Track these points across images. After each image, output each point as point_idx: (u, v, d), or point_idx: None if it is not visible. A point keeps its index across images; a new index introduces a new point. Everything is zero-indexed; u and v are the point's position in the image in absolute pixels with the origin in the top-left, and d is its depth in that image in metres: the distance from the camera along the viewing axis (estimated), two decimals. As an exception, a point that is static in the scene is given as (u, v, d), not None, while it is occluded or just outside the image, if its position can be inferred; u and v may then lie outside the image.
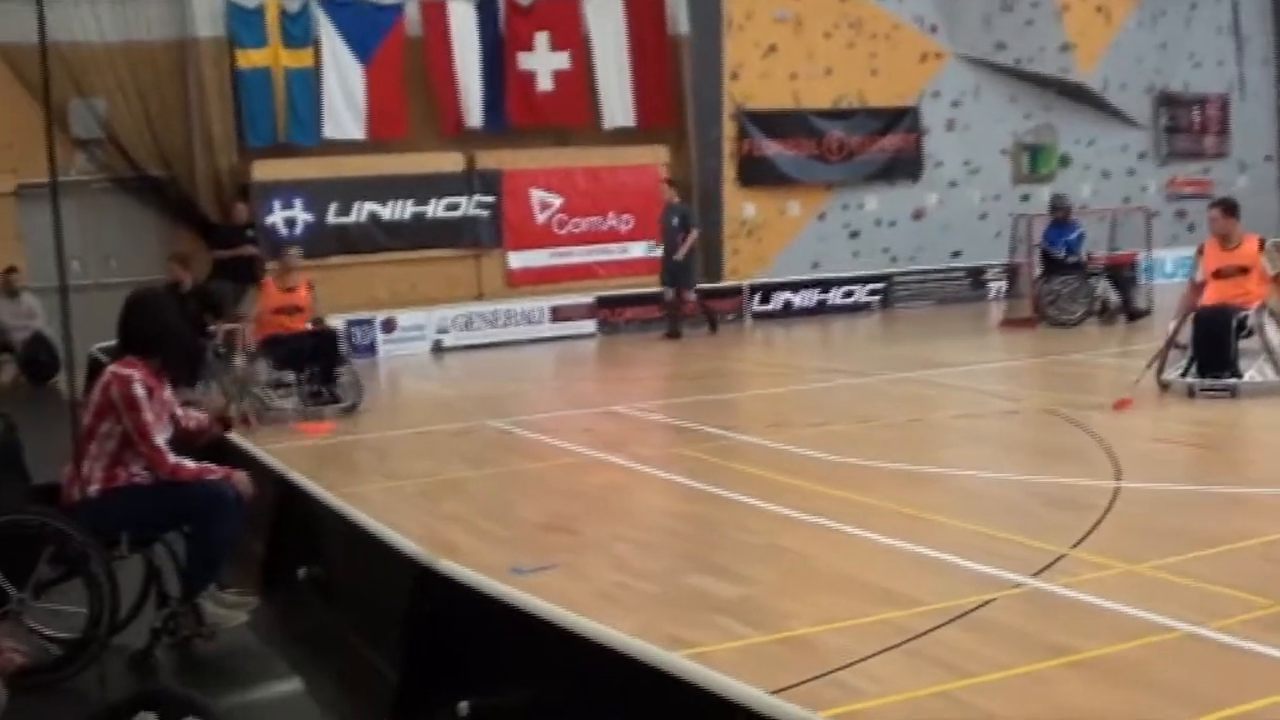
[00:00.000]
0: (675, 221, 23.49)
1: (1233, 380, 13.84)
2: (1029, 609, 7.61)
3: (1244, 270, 14.46)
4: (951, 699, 6.22)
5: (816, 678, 6.56)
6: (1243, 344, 14.11)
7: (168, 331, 7.51)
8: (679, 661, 4.80)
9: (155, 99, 22.43)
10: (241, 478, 7.45)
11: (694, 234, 23.60)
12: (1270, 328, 14.15)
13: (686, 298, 23.85)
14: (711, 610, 7.85)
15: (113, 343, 16.54)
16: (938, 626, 7.25)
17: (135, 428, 7.07)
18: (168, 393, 7.46)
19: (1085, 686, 6.33)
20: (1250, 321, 14.14)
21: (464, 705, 5.95)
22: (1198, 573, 7.98)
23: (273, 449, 11.09)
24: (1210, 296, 14.46)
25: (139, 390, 7.12)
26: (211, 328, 17.31)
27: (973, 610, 7.51)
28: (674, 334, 23.48)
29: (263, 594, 7.99)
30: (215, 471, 7.32)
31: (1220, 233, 14.84)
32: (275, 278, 17.33)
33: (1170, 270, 28.68)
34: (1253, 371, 13.96)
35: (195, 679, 6.61)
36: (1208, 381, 13.93)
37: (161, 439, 7.15)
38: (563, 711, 5.49)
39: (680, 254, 23.31)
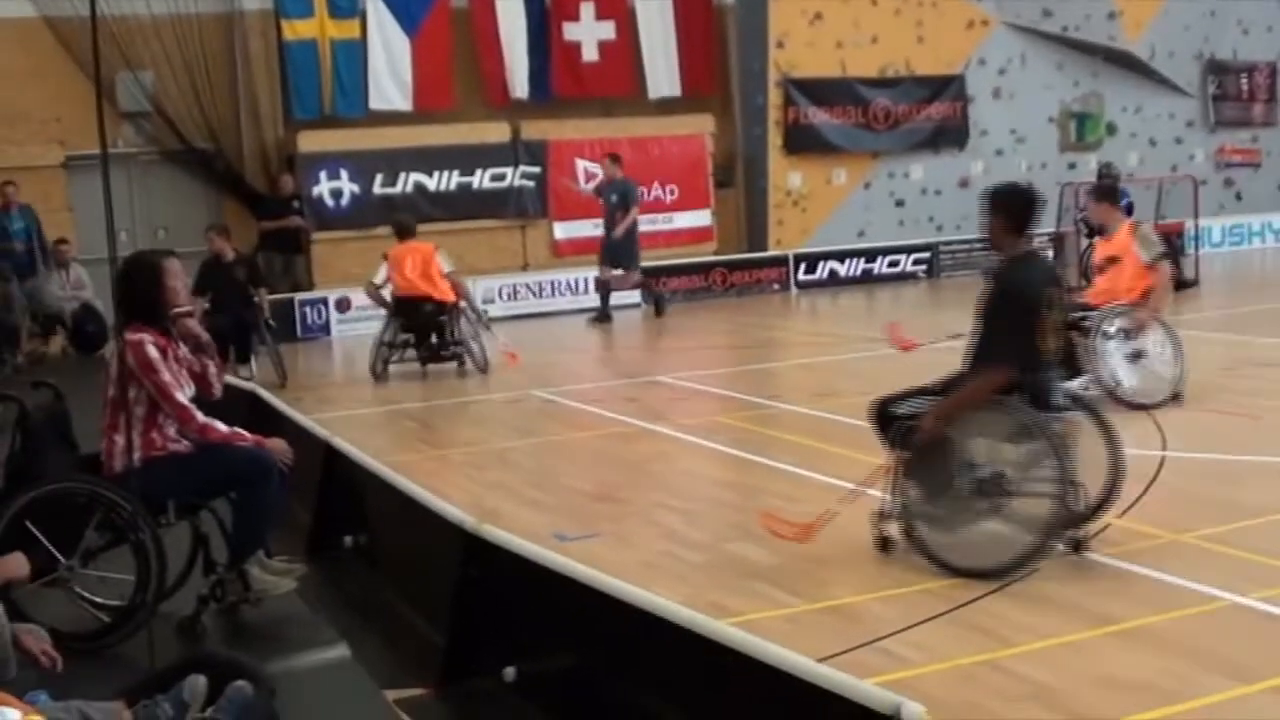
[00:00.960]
0: (614, 198, 22.12)
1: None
2: (1074, 577, 7.60)
3: (1116, 261, 12.68)
4: (996, 667, 6.24)
5: (862, 646, 6.59)
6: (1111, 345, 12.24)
7: (158, 291, 7.44)
8: (726, 629, 4.83)
9: (202, 72, 22.51)
10: (278, 444, 7.49)
11: (634, 213, 22.20)
12: (1110, 338, 12.04)
13: (631, 279, 22.67)
14: (756, 578, 7.88)
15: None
16: (982, 595, 7.27)
17: (156, 389, 7.10)
18: (183, 351, 7.47)
19: (1129, 655, 6.33)
20: (1090, 322, 12.14)
21: (510, 670, 6.00)
22: (1243, 543, 7.97)
23: (321, 418, 11.17)
24: (1090, 294, 12.88)
25: (152, 351, 7.13)
26: (257, 299, 17.37)
27: (1017, 579, 7.50)
28: (603, 317, 22.37)
29: (310, 561, 8.06)
30: (246, 437, 7.35)
31: (1097, 222, 13.43)
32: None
33: (1218, 239, 28.59)
34: (1079, 382, 11.16)
35: (242, 645, 6.67)
36: None
37: (183, 396, 7.17)
38: (608, 678, 5.53)
39: (618, 232, 22.04)
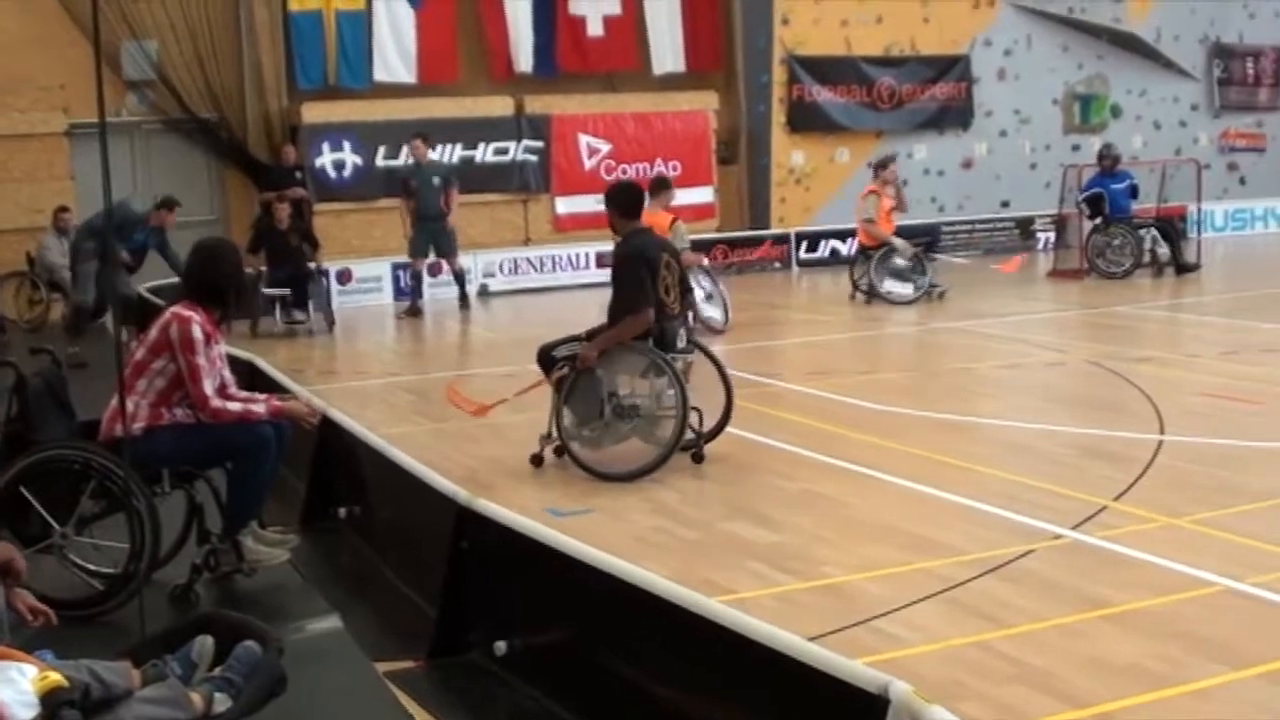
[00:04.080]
0: (436, 180, 20.77)
1: None
2: (1068, 561, 7.60)
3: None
4: (988, 649, 6.23)
5: (854, 625, 6.58)
6: None
7: (233, 283, 7.56)
8: (716, 606, 4.83)
9: (207, 41, 22.49)
10: (296, 407, 7.54)
11: (454, 191, 20.92)
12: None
13: (454, 266, 21.19)
14: (749, 556, 7.87)
15: (159, 284, 16.70)
16: (976, 576, 7.26)
17: (189, 369, 7.12)
18: (222, 348, 7.51)
19: (1122, 639, 6.32)
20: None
21: (501, 645, 6.01)
22: (1239, 527, 7.97)
23: (319, 389, 11.14)
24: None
25: (198, 333, 7.17)
26: (312, 264, 19.03)
27: (1012, 561, 7.51)
28: (414, 311, 20.84)
29: (303, 532, 8.06)
30: (258, 415, 7.33)
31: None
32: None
33: (1221, 224, 28.53)
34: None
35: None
36: None
37: (210, 385, 7.18)
38: (598, 654, 5.52)
39: (453, 217, 20.90)
